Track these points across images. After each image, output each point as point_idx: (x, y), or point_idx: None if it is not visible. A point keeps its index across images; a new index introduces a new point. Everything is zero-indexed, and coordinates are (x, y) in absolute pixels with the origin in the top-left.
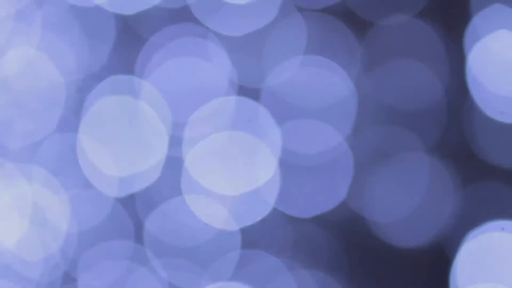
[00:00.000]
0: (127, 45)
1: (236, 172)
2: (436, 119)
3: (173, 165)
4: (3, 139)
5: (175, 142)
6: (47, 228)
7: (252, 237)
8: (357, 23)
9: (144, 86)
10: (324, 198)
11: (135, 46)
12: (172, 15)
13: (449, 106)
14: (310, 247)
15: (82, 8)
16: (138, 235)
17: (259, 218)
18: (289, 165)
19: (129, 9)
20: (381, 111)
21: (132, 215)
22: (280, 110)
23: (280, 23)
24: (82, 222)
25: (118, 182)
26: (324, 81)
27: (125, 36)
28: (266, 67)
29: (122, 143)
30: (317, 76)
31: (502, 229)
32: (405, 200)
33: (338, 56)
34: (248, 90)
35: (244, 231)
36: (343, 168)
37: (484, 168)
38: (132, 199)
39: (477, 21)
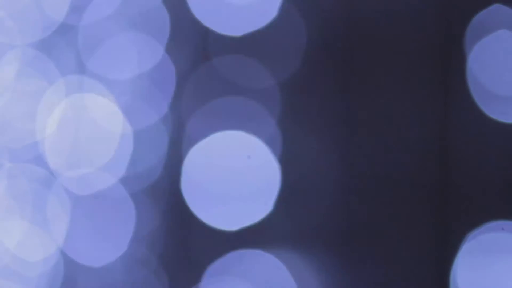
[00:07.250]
0: (127, 45)
1: (236, 172)
2: (436, 119)
3: (173, 165)
4: (3, 139)
5: (175, 142)
6: (47, 228)
7: (252, 237)
8: (357, 24)
9: (144, 86)
10: (323, 198)
11: (135, 46)
12: (172, 15)
13: (449, 106)
14: (310, 247)
15: (82, 8)
16: (139, 235)
17: (259, 218)
18: (289, 165)
19: (129, 9)
20: (381, 111)
21: (133, 215)
22: (280, 110)
23: (280, 23)
24: (82, 222)
25: (117, 181)
26: (324, 81)
27: (125, 36)
28: (266, 67)
29: (122, 143)
30: (316, 76)
31: (502, 229)
32: (404, 201)
33: (337, 56)
34: (248, 90)
35: (244, 231)
36: (342, 168)
37: (484, 168)
38: (133, 199)
39: (477, 21)
